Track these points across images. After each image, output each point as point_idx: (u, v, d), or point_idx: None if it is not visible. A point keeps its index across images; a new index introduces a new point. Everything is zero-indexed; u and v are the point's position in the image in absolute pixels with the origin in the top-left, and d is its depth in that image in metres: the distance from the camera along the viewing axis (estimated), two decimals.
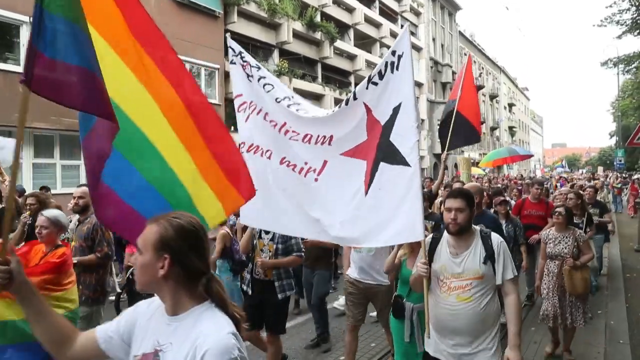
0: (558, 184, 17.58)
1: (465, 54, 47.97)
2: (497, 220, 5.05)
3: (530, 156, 17.91)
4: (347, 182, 3.32)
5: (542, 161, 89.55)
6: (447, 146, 5.86)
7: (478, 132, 6.48)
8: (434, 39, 40.64)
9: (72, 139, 13.82)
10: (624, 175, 24.19)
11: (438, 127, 7.08)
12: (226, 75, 19.87)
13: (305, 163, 3.49)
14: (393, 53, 3.14)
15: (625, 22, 16.20)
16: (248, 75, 3.78)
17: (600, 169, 42.36)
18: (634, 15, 16.26)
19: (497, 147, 56.50)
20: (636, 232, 11.40)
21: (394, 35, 33.49)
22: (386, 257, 4.12)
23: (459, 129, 6.01)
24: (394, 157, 3.05)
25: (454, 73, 42.10)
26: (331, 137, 3.41)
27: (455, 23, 45.98)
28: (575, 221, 6.04)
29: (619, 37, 16.48)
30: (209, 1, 19.03)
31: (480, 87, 51.41)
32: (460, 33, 47.57)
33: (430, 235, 3.22)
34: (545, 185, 9.09)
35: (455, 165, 31.19)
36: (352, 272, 4.56)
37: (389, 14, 33.73)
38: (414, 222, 2.95)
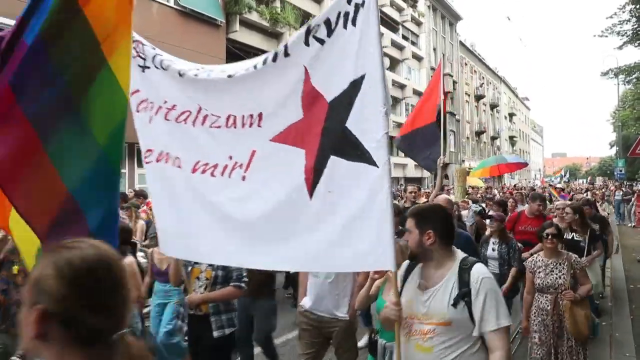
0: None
1: (466, 64, 48.19)
2: (472, 242, 4.17)
3: (524, 165, 16.00)
4: (281, 180, 2.43)
5: (542, 171, 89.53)
6: (442, 148, 6.06)
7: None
8: (434, 49, 40.81)
9: None
10: (625, 185, 24.05)
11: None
12: None
13: (230, 158, 2.58)
14: (349, 1, 2.23)
15: (626, 32, 16.25)
16: (143, 67, 2.86)
17: (599, 179, 42.31)
18: (635, 26, 16.32)
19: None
20: (639, 243, 11.32)
21: (395, 45, 33.69)
22: (348, 284, 3.55)
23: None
24: (353, 150, 2.23)
25: (454, 82, 42.21)
26: (260, 115, 2.50)
27: (456, 33, 46.21)
28: (576, 238, 5.70)
29: (620, 47, 16.53)
30: (211, 10, 19.13)
31: (480, 97, 51.61)
32: (461, 43, 47.78)
33: (406, 262, 2.51)
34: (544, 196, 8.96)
35: (446, 176, 31.40)
36: (306, 302, 3.70)
37: (390, 24, 33.89)
38: (382, 243, 2.17)
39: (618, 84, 30.66)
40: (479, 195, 14.00)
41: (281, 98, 2.44)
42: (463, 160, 41.72)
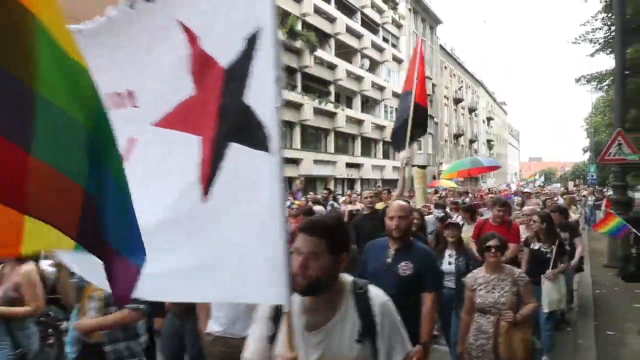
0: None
1: (445, 67, 48.60)
2: (430, 255, 3.46)
3: (497, 167, 15.51)
4: (171, 178, 1.80)
5: (518, 175, 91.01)
6: (408, 140, 5.69)
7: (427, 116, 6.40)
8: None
9: None
10: (595, 190, 24.50)
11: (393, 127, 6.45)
12: None
13: None
14: None
15: (598, 40, 16.53)
16: None
17: (570, 183, 43.17)
18: (606, 35, 16.59)
19: None
20: (606, 247, 11.45)
21: (375, 46, 33.72)
22: None
23: (417, 120, 5.87)
24: (253, 132, 1.64)
25: (434, 86, 42.50)
26: (130, 93, 1.91)
27: (436, 36, 46.58)
28: (542, 249, 5.29)
29: (592, 55, 16.83)
30: None
31: (459, 101, 52.16)
32: (441, 46, 48.20)
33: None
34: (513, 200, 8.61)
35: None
36: (216, 325, 3.08)
37: (371, 25, 33.95)
38: (269, 264, 1.56)
39: (590, 91, 31.33)
40: (448, 199, 13.79)
41: (162, 67, 1.83)
42: (441, 163, 42.04)
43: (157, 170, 1.85)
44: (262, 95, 1.62)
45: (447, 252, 4.93)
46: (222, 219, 1.69)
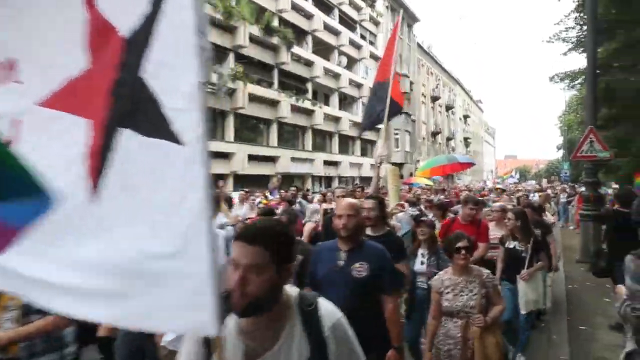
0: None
1: (422, 65, 48.94)
2: (384, 254, 3.00)
3: (472, 164, 15.13)
4: (57, 169, 1.45)
5: (494, 172, 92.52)
6: (384, 137, 5.83)
7: (400, 104, 6.13)
8: None
9: None
10: (568, 186, 24.93)
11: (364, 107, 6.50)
12: None
13: None
14: None
15: (570, 39, 16.81)
16: None
17: (544, 181, 44.10)
18: (579, 34, 16.87)
19: None
20: (578, 243, 11.62)
21: (353, 43, 33.69)
22: None
23: (390, 107, 5.85)
24: (149, 117, 1.30)
25: (411, 83, 42.72)
26: (11, 65, 1.56)
27: (413, 34, 46.84)
28: (517, 248, 5.12)
29: (565, 54, 17.09)
30: None
31: (436, 98, 52.63)
32: (418, 44, 48.50)
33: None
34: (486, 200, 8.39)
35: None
36: (172, 338, 2.82)
37: (348, 23, 33.90)
38: (195, 282, 1.23)
39: (564, 89, 31.98)
40: (423, 197, 13.52)
41: (51, 33, 1.50)
42: (418, 160, 42.31)
43: (43, 157, 1.48)
44: (169, 69, 1.28)
45: (420, 251, 4.73)
46: (116, 224, 1.35)
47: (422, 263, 4.65)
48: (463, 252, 3.43)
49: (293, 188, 10.43)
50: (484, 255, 5.22)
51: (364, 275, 2.82)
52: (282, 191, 12.56)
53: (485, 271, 3.56)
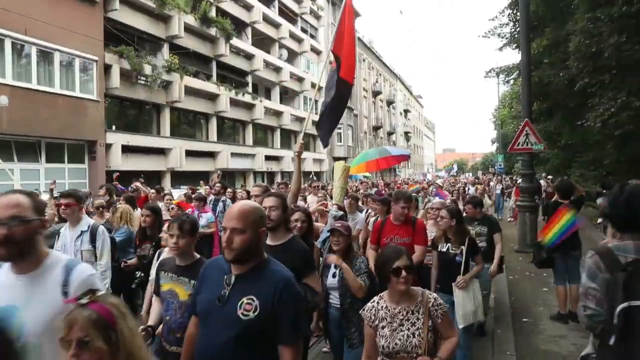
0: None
1: (364, 60, 49.28)
2: (288, 283, 2.18)
3: (407, 157, 14.35)
4: None
5: (434, 165, 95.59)
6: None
7: (350, 83, 5.69)
8: None
9: None
10: (506, 179, 25.87)
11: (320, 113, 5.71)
12: (106, 68, 17.94)
13: None
14: None
15: (505, 35, 17.32)
16: None
17: (479, 173, 45.92)
18: (512, 30, 17.41)
19: None
20: (516, 233, 11.91)
21: (293, 36, 33.19)
22: None
23: (341, 95, 5.53)
24: None
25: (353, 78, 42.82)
26: None
27: (354, 29, 46.97)
28: (450, 251, 4.44)
29: (500, 49, 17.64)
30: None
31: (377, 93, 53.26)
32: (359, 39, 48.76)
33: None
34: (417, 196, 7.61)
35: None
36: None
37: (289, 15, 33.34)
38: None
39: (498, 84, 33.27)
40: (360, 192, 12.72)
41: None
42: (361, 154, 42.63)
43: None
44: None
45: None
46: None
47: (333, 276, 3.81)
48: (404, 273, 2.54)
49: (218, 185, 9.07)
50: (422, 261, 4.66)
51: (252, 317, 2.04)
52: (206, 187, 11.27)
53: (431, 295, 2.69)
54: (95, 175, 17.41)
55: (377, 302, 2.70)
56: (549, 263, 6.18)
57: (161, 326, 2.96)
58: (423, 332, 2.55)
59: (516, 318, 6.33)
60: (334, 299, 3.79)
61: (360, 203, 8.04)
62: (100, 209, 6.10)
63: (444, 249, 4.54)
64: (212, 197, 8.78)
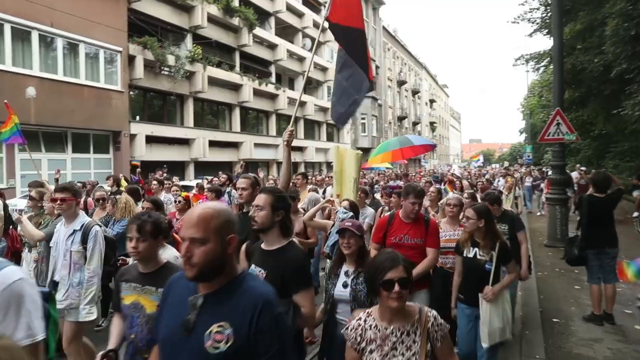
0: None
1: (388, 49, 48.54)
2: (269, 306, 1.69)
3: (432, 147, 12.64)
4: None
5: (460, 156, 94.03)
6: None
7: (369, 76, 4.84)
8: None
9: None
10: (535, 170, 24.95)
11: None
12: (130, 59, 18.04)
13: None
14: None
15: (535, 20, 16.62)
16: None
17: (505, 163, 44.80)
18: (543, 15, 16.69)
19: None
20: (546, 226, 11.46)
21: (317, 25, 32.80)
22: None
23: (355, 47, 4.86)
24: None
25: (377, 67, 42.31)
26: None
27: (379, 18, 46.26)
28: (479, 257, 3.83)
29: (530, 35, 16.93)
30: None
31: (402, 83, 52.45)
32: (384, 28, 47.98)
33: None
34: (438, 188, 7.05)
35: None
36: None
37: (312, 4, 32.96)
38: None
39: (527, 72, 32.24)
40: (380, 184, 11.79)
41: None
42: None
43: None
44: None
45: (344, 267, 3.25)
46: None
47: (345, 286, 3.12)
48: (397, 288, 2.07)
49: (224, 176, 8.45)
50: (432, 267, 4.12)
51: (223, 350, 1.59)
52: (210, 178, 10.44)
53: (431, 313, 2.22)
54: (120, 165, 17.60)
55: (365, 320, 2.23)
56: (582, 260, 5.82)
57: (125, 347, 2.50)
58: (420, 359, 2.11)
59: (546, 318, 6.00)
60: (342, 314, 3.09)
61: (379, 196, 7.78)
62: (101, 201, 5.84)
63: (470, 255, 3.92)
64: (227, 189, 8.38)
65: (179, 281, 1.82)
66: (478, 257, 3.87)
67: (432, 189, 6.83)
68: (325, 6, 28.36)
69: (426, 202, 5.95)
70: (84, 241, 3.78)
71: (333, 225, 4.48)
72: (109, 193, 6.81)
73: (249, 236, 2.97)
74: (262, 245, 2.70)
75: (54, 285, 3.82)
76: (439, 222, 4.93)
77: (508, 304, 3.85)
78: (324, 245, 4.82)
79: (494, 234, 3.92)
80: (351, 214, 4.38)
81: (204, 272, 1.63)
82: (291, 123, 4.29)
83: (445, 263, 4.57)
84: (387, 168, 17.74)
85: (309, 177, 11.43)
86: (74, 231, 3.81)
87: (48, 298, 1.95)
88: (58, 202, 3.81)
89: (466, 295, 3.94)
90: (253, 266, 2.66)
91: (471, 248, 3.95)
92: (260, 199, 2.69)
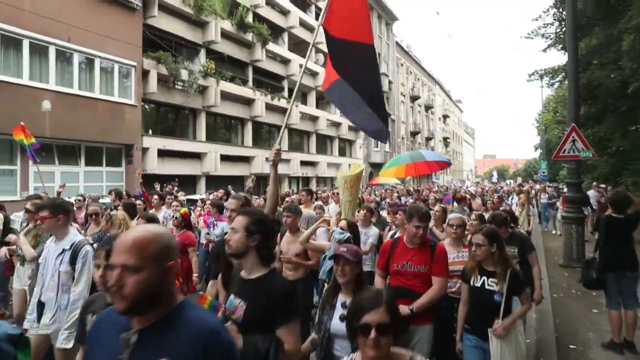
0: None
1: (402, 64, 48.58)
2: (217, 340, 1.54)
3: (447, 164, 11.85)
4: None
5: (474, 171, 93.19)
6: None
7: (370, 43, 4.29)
8: None
9: None
10: (550, 187, 24.39)
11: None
12: (144, 74, 18.24)
13: None
14: None
15: (549, 35, 16.45)
16: None
17: (519, 179, 44.14)
18: (557, 30, 16.52)
19: None
20: (562, 246, 11.14)
21: None
22: None
23: (365, 66, 4.37)
24: None
25: (390, 82, 42.34)
26: None
27: (392, 33, 46.42)
28: (487, 287, 3.53)
29: (544, 50, 16.74)
30: None
31: (415, 98, 52.36)
32: (397, 43, 48.11)
33: None
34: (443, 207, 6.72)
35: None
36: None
37: None
38: None
39: (542, 87, 31.92)
40: (386, 201, 11.31)
41: None
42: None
43: None
44: None
45: (340, 297, 2.94)
46: None
47: (342, 319, 2.78)
48: (373, 334, 1.73)
49: (221, 191, 8.30)
50: (438, 298, 3.61)
51: None
52: (208, 193, 9.90)
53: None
54: (132, 178, 17.66)
55: None
56: (600, 284, 5.57)
57: None
58: None
59: (561, 344, 5.74)
60: (341, 350, 2.77)
61: (385, 214, 7.55)
62: (94, 216, 5.66)
63: (478, 284, 3.61)
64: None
65: (108, 317, 1.59)
66: (487, 286, 3.56)
67: (437, 207, 6.56)
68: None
69: (431, 222, 5.72)
70: (72, 261, 3.58)
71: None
72: (111, 207, 6.73)
73: (217, 261, 2.82)
74: (242, 273, 2.47)
75: (41, 307, 3.63)
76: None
77: (522, 336, 3.58)
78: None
79: (505, 260, 3.61)
80: (348, 235, 4.10)
81: (137, 304, 1.43)
82: (278, 141, 3.92)
83: (449, 287, 4.16)
84: (396, 184, 17.23)
85: (316, 194, 11.28)
86: (63, 250, 3.63)
87: (18, 342, 1.56)
88: (39, 221, 3.67)
89: (472, 326, 3.63)
90: (232, 296, 2.42)
91: (479, 276, 3.64)
92: (236, 221, 2.48)
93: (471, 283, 3.68)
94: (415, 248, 3.75)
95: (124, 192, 8.36)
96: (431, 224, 5.98)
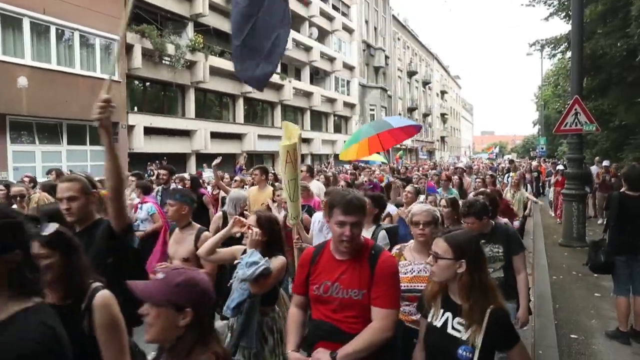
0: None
1: (398, 39, 47.48)
2: None
3: (418, 128, 8.19)
4: None
5: (472, 148, 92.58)
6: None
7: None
8: (366, 21, 39.55)
9: None
10: (548, 163, 23.90)
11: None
12: (128, 48, 17.45)
13: None
14: None
15: (552, 3, 15.64)
16: None
17: (514, 155, 43.53)
18: None
19: (429, 135, 56.95)
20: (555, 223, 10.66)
21: (324, 14, 32.02)
22: None
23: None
24: None
25: (387, 57, 41.38)
26: None
27: (388, 6, 45.17)
28: (452, 329, 2.03)
29: (546, 18, 15.94)
30: None
31: (413, 74, 51.39)
32: (394, 17, 46.87)
33: None
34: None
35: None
36: None
37: None
38: None
39: (542, 59, 31.09)
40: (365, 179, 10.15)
41: None
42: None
43: None
44: None
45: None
46: None
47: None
48: None
49: (163, 171, 6.96)
50: (378, 343, 2.16)
51: None
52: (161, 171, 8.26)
53: None
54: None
55: None
56: (608, 268, 5.05)
57: None
58: None
59: (561, 333, 5.27)
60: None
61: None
62: (19, 198, 5.17)
63: (438, 323, 2.15)
64: (157, 187, 7.06)
65: None
66: (450, 329, 2.09)
67: (408, 188, 5.50)
68: None
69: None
70: None
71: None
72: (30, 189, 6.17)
73: None
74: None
75: None
76: (400, 252, 3.08)
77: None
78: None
79: (483, 289, 2.04)
80: (257, 258, 2.83)
81: None
82: (105, 88, 2.37)
83: (410, 313, 2.80)
84: (382, 162, 15.55)
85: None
86: None
87: None
88: None
89: None
90: None
91: (441, 310, 2.16)
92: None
93: (429, 318, 2.22)
94: (346, 260, 2.28)
95: (68, 172, 7.52)
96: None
